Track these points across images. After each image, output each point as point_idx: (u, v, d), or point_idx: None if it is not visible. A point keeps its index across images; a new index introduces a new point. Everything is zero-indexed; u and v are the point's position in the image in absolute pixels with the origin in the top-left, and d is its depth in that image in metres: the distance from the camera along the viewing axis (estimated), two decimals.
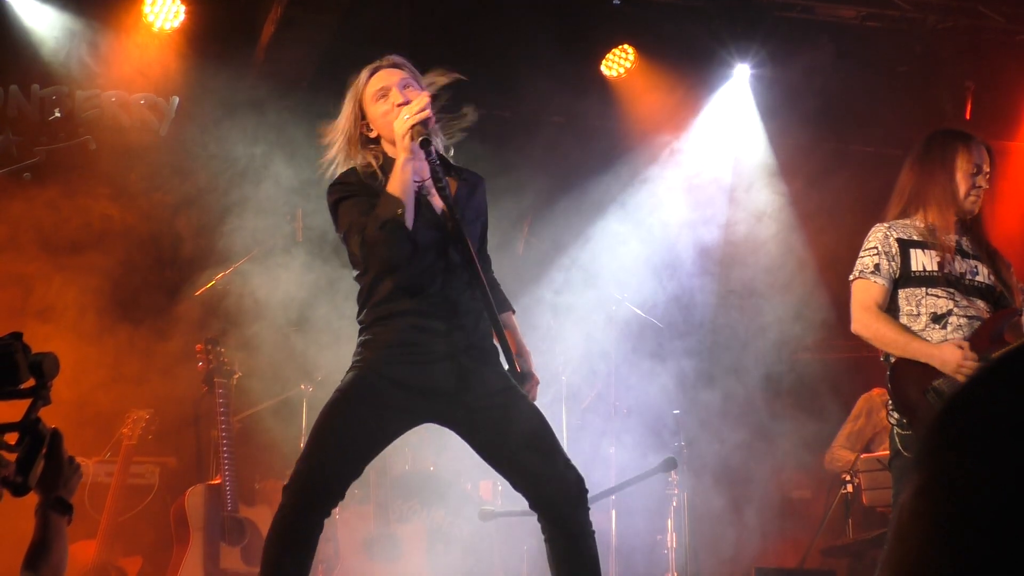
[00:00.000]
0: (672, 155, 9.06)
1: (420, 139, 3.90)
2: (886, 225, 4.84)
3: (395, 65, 4.21)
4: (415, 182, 4.07)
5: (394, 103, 4.08)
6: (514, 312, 4.45)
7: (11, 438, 2.66)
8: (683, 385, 8.28)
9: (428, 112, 3.97)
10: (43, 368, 2.68)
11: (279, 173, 7.76)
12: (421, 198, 4.07)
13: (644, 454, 7.85)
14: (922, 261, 4.76)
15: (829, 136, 9.40)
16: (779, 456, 8.28)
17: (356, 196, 4.06)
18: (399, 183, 3.93)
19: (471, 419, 4.10)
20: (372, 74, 4.20)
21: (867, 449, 7.37)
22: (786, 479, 8.29)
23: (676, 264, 8.69)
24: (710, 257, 8.82)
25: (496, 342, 4.17)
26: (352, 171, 4.16)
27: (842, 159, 9.34)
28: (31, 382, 2.67)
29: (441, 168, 4.05)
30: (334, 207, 4.13)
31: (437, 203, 4.15)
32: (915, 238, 4.79)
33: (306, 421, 7.13)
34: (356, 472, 4.08)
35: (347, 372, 4.14)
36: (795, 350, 9.04)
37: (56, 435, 2.76)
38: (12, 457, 2.65)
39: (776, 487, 8.48)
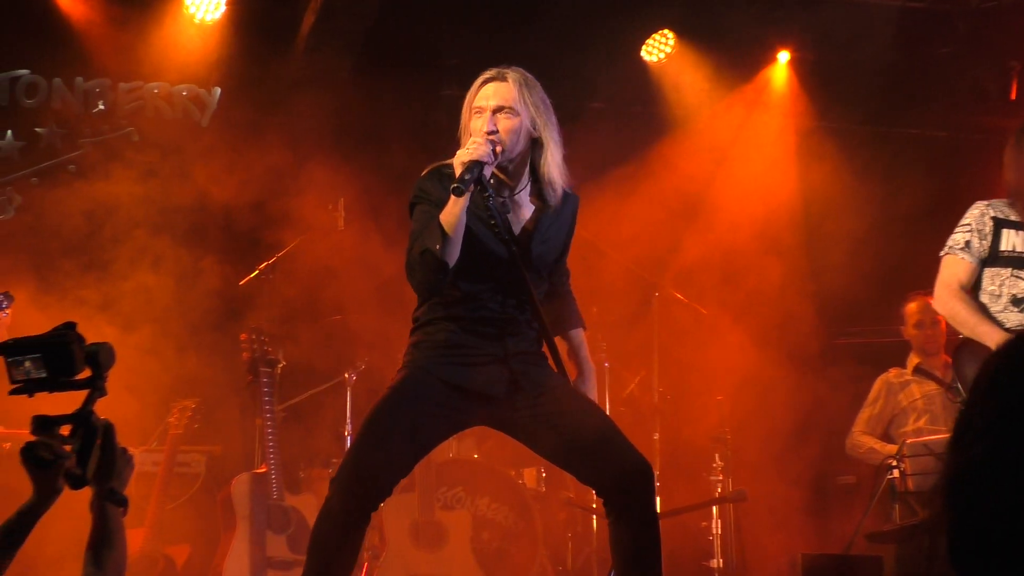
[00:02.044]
0: (713, 140, 9.01)
1: (453, 186, 3.83)
2: (985, 203, 4.82)
3: (504, 80, 4.13)
4: (501, 199, 4.09)
5: (479, 128, 4.05)
6: (584, 329, 4.42)
7: (63, 430, 2.67)
8: (727, 371, 8.24)
9: (479, 155, 3.89)
10: (99, 358, 2.68)
11: (320, 162, 7.78)
12: (496, 213, 4.02)
13: (688, 441, 7.84)
14: (1013, 241, 4.73)
15: (872, 119, 9.32)
16: (824, 441, 8.24)
17: (425, 203, 4.05)
18: (447, 215, 3.88)
19: (525, 421, 4.11)
20: (481, 85, 4.14)
21: (886, 432, 7.34)
22: (831, 465, 8.25)
23: (718, 249, 8.65)
24: (753, 241, 8.77)
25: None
26: (437, 172, 4.13)
27: (885, 142, 9.26)
28: (86, 372, 2.68)
29: (495, 207, 4.00)
30: (409, 209, 4.15)
31: (518, 217, 4.16)
32: (1012, 218, 4.75)
33: (350, 409, 7.15)
34: (405, 470, 4.09)
35: (399, 370, 4.14)
36: (839, 334, 8.99)
37: (109, 427, 2.76)
38: (67, 448, 2.66)
39: (821, 473, 8.44)
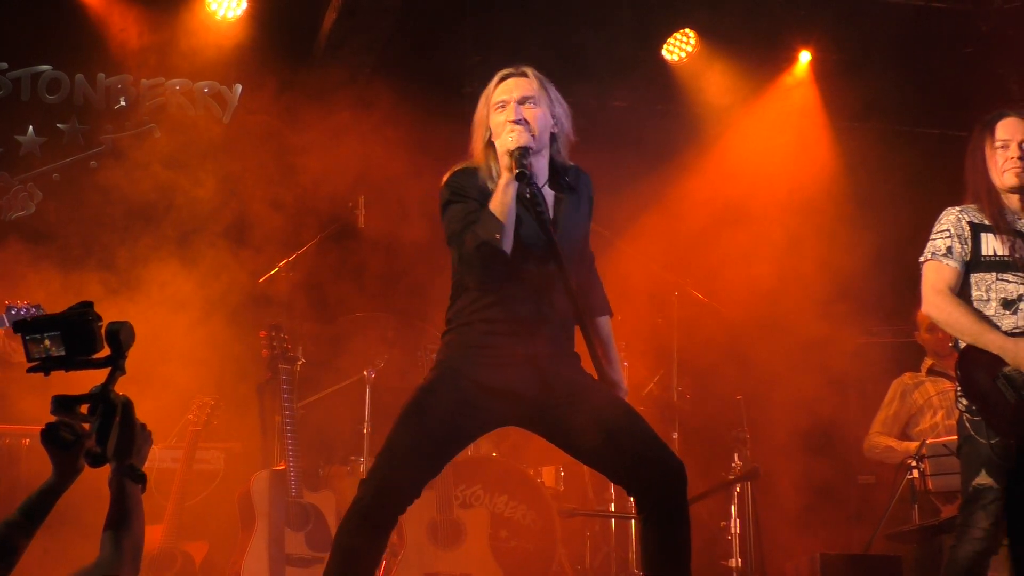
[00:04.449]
0: (734, 139, 8.99)
1: (516, 172, 3.86)
2: (958, 208, 4.79)
3: (524, 75, 4.13)
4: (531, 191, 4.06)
5: (507, 119, 4.02)
6: (612, 315, 4.41)
7: (82, 409, 2.66)
8: (746, 370, 8.22)
9: (524, 141, 3.90)
10: (119, 337, 2.66)
11: (341, 160, 7.78)
12: (542, 200, 4.04)
13: (706, 441, 7.82)
14: (993, 246, 4.70)
15: (894, 118, 9.29)
16: (843, 441, 8.21)
17: (464, 200, 4.04)
18: (499, 204, 3.90)
19: (555, 422, 4.09)
20: (500, 81, 4.14)
21: (904, 432, 7.31)
22: (851, 464, 8.22)
23: (738, 248, 8.63)
24: (774, 241, 8.74)
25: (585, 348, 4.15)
26: (471, 170, 4.13)
27: (907, 141, 9.23)
28: (106, 351, 2.66)
29: (541, 194, 4.02)
30: (443, 208, 4.12)
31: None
32: (986, 223, 4.73)
33: (369, 407, 7.16)
34: (435, 471, 4.09)
35: (431, 370, 4.14)
36: (858, 334, 8.95)
37: (128, 403, 2.75)
38: (87, 427, 2.65)
39: (841, 472, 8.42)
